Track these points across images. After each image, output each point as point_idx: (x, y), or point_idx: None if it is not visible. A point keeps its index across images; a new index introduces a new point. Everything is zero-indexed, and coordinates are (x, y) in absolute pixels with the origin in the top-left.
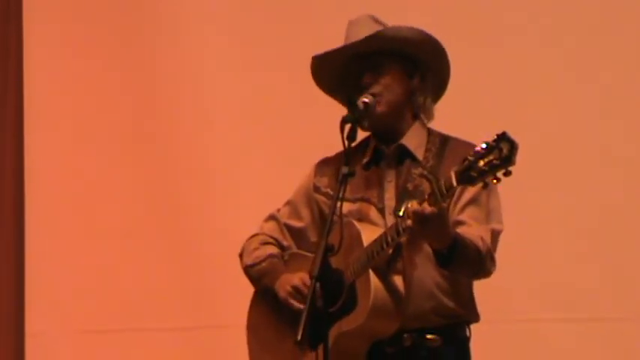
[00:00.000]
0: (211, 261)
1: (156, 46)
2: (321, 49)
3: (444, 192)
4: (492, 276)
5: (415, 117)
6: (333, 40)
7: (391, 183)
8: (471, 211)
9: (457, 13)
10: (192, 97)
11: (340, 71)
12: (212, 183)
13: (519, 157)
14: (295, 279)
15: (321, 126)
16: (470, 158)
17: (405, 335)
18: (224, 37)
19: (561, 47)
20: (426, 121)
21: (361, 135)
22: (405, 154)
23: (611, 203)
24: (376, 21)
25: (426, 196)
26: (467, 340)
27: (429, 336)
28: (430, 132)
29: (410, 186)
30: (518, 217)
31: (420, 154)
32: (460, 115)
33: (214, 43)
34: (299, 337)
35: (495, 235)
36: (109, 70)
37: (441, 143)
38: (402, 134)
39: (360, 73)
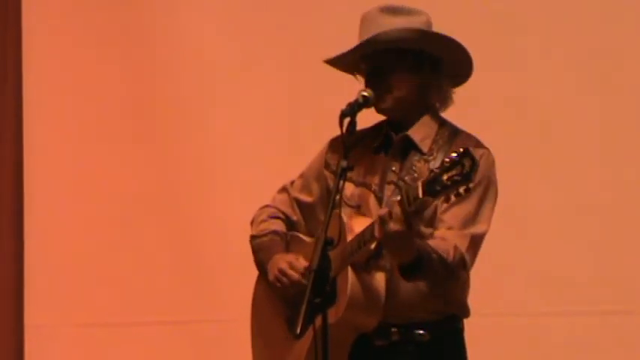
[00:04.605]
0: (212, 255)
1: (156, 39)
2: (322, 43)
3: (411, 201)
4: (491, 269)
5: (428, 108)
6: (334, 31)
7: (394, 172)
8: (456, 210)
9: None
10: (192, 90)
11: (352, 65)
12: (212, 176)
13: (517, 149)
14: (283, 262)
15: (324, 118)
16: (435, 171)
17: (393, 329)
18: (224, 28)
19: (562, 46)
20: (442, 109)
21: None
22: (411, 145)
23: (608, 195)
24: (387, 13)
25: (397, 202)
26: (458, 332)
27: (417, 331)
28: (442, 124)
29: (408, 179)
30: (515, 210)
31: (425, 146)
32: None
33: (214, 35)
34: (298, 331)
35: (476, 239)
36: (107, 64)
37: (450, 136)
38: (412, 124)
39: (369, 70)
